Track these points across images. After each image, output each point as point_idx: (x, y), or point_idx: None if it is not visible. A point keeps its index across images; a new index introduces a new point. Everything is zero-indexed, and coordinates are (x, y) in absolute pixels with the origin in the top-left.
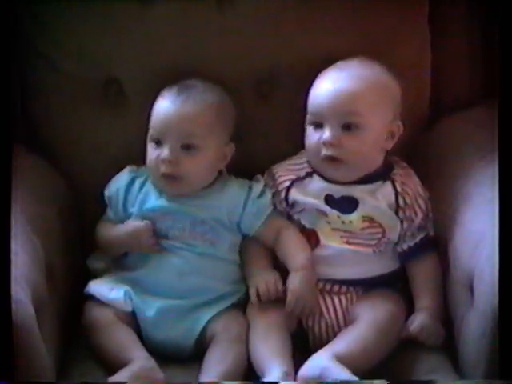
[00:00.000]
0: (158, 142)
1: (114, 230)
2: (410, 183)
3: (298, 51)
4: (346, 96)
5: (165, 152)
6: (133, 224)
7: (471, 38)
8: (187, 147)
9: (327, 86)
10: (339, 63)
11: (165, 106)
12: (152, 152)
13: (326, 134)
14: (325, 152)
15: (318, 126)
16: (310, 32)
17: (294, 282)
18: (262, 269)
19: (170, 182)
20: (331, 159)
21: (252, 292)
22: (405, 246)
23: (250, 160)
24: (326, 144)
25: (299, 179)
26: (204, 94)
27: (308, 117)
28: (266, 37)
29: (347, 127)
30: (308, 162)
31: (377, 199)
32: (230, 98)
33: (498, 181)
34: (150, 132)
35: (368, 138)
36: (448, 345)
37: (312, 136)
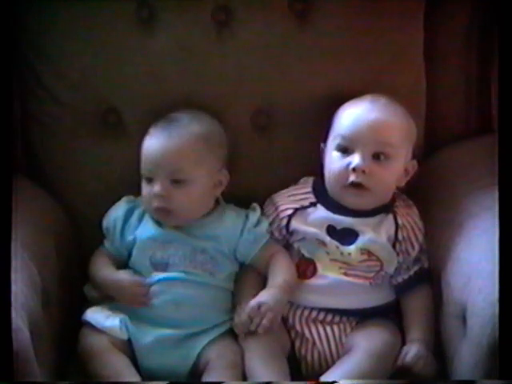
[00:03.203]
0: (149, 179)
1: (106, 275)
2: (410, 216)
3: (297, 82)
4: (385, 126)
5: (156, 188)
6: (125, 278)
7: (466, 70)
8: (177, 182)
9: (365, 114)
10: (368, 96)
11: (151, 143)
12: (145, 188)
13: (357, 160)
14: (353, 178)
15: (346, 151)
16: (308, 63)
17: (263, 293)
18: (246, 298)
19: (163, 215)
20: (357, 186)
21: (234, 324)
22: (400, 279)
23: (246, 190)
24: (356, 170)
25: (302, 208)
26: (189, 127)
27: (334, 142)
28: (265, 67)
29: (377, 156)
30: (312, 191)
31: (378, 233)
32: (220, 125)
33: (498, 212)
34: (142, 170)
35: (394, 169)
36: (439, 376)
37: (338, 161)
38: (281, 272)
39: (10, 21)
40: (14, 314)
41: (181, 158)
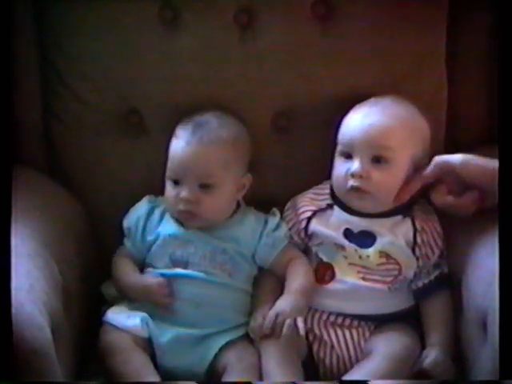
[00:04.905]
0: (176, 182)
1: (134, 281)
2: (429, 221)
3: (318, 85)
4: (379, 130)
5: (184, 192)
6: (148, 281)
7: (488, 77)
8: (205, 186)
9: (360, 119)
10: (373, 99)
11: (180, 146)
12: (171, 190)
13: (355, 165)
14: (352, 183)
15: (348, 157)
16: (330, 67)
17: (279, 302)
18: (264, 303)
19: (189, 218)
20: (357, 190)
21: (250, 328)
22: (419, 284)
23: (266, 193)
24: (354, 175)
25: (321, 210)
26: (218, 131)
27: (338, 148)
28: (287, 70)
29: (377, 160)
30: (330, 193)
31: (395, 235)
32: (245, 129)
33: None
34: (168, 172)
35: (396, 172)
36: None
37: (340, 167)
38: (298, 277)
39: (9, 17)
40: (35, 312)
41: (210, 163)
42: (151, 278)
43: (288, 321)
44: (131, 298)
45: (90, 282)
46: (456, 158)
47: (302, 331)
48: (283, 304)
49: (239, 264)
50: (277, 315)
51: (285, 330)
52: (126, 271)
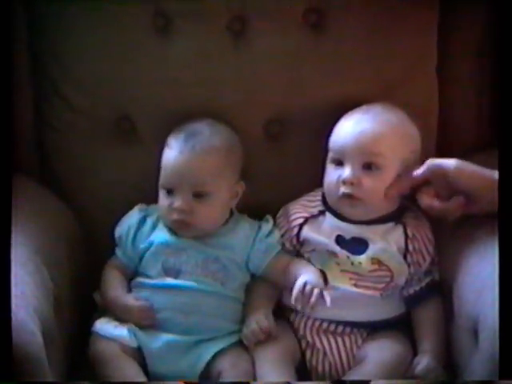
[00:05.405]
0: (170, 191)
1: (116, 297)
2: (420, 228)
3: (311, 92)
4: (370, 136)
5: (177, 202)
6: (134, 305)
7: (480, 83)
8: (199, 195)
9: (351, 126)
10: (364, 106)
11: (173, 155)
12: (164, 199)
13: (347, 172)
14: (343, 190)
15: (339, 164)
16: (322, 74)
17: (304, 273)
18: (255, 308)
19: (183, 227)
20: (348, 197)
21: (243, 334)
22: (411, 291)
23: (258, 201)
24: (345, 182)
25: (312, 217)
26: (211, 140)
27: (329, 154)
28: (279, 76)
29: (368, 167)
30: (321, 199)
31: (387, 242)
32: (237, 136)
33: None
34: (161, 181)
35: (387, 179)
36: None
37: (332, 174)
38: (307, 264)
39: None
40: (27, 318)
41: (203, 172)
42: (134, 299)
43: (316, 290)
44: (113, 314)
45: (81, 288)
46: (450, 162)
47: (328, 303)
48: (309, 274)
49: (232, 272)
50: (305, 284)
51: (313, 299)
52: (113, 285)
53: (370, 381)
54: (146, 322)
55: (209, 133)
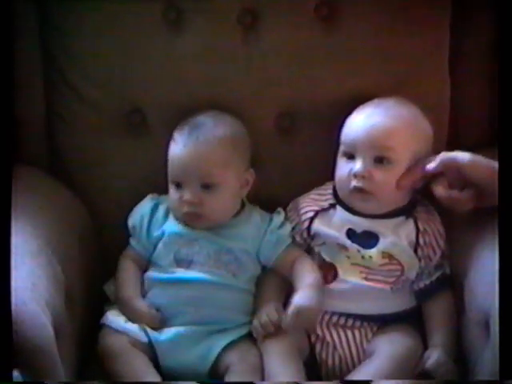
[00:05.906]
0: (179, 185)
1: (128, 297)
2: (431, 222)
3: (321, 86)
4: (381, 130)
5: (186, 195)
6: (144, 312)
7: (491, 78)
8: (207, 186)
9: (363, 120)
10: (376, 100)
11: (178, 149)
12: (174, 193)
13: (358, 165)
14: (354, 183)
15: (351, 157)
16: (333, 68)
17: (297, 297)
18: (266, 301)
19: (194, 219)
20: (359, 191)
21: (253, 326)
22: (421, 284)
23: (269, 194)
24: (356, 176)
25: (323, 210)
26: (214, 130)
27: (341, 148)
28: (290, 70)
29: (379, 161)
30: (332, 193)
31: (398, 236)
32: (242, 125)
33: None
34: (169, 175)
35: (398, 173)
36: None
37: (343, 167)
38: (309, 273)
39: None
40: (39, 311)
41: (209, 163)
42: (146, 306)
43: (310, 316)
44: (122, 311)
45: (92, 280)
46: (464, 156)
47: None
48: (301, 299)
49: (244, 264)
50: (298, 311)
51: (307, 325)
52: (127, 283)
53: (370, 381)
54: (155, 325)
55: (212, 124)
